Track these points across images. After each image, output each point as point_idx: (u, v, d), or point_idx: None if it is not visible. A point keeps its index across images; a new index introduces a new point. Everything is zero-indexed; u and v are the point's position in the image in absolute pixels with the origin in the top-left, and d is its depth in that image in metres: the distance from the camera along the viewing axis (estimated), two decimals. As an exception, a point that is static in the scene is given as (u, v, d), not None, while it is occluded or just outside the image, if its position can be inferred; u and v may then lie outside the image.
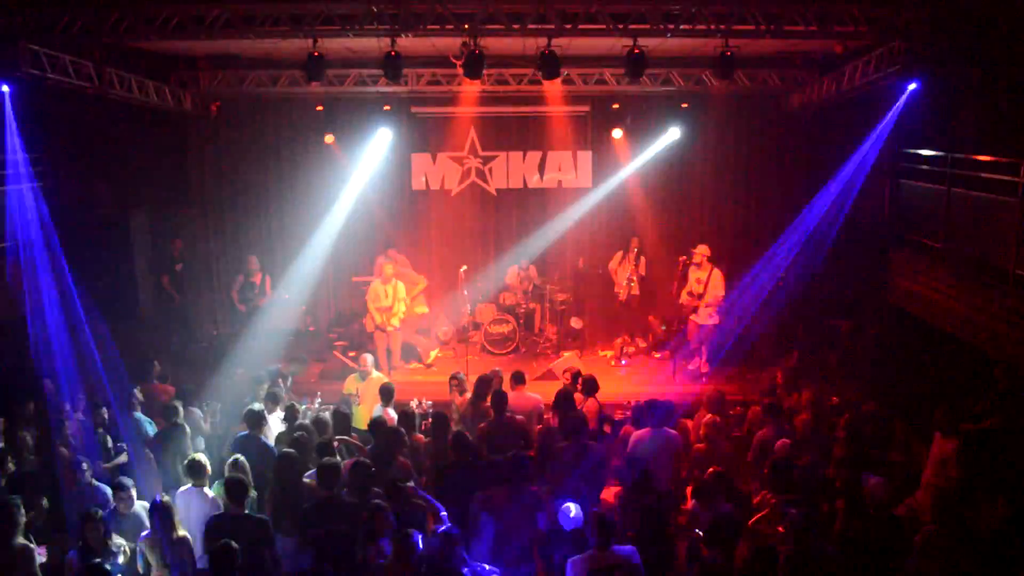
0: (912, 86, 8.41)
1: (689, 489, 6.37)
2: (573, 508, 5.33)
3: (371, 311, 10.56)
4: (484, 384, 7.32)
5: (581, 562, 4.73)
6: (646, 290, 11.80)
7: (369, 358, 8.41)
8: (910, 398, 8.03)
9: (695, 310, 10.45)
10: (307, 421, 6.98)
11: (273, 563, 5.20)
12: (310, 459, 6.18)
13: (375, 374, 8.30)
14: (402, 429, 6.46)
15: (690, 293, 10.47)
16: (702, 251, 10.41)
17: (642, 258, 11.70)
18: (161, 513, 5.17)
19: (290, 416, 7.20)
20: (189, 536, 5.29)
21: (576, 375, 8.02)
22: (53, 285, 9.17)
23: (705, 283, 10.35)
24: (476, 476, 5.83)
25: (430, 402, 8.62)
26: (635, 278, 11.61)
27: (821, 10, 8.06)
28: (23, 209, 8.63)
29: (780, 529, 5.36)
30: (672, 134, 11.81)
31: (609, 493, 6.58)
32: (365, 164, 12.25)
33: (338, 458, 6.11)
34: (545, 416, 7.37)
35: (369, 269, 12.17)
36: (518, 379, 7.62)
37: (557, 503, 5.47)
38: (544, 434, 6.77)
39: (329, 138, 11.94)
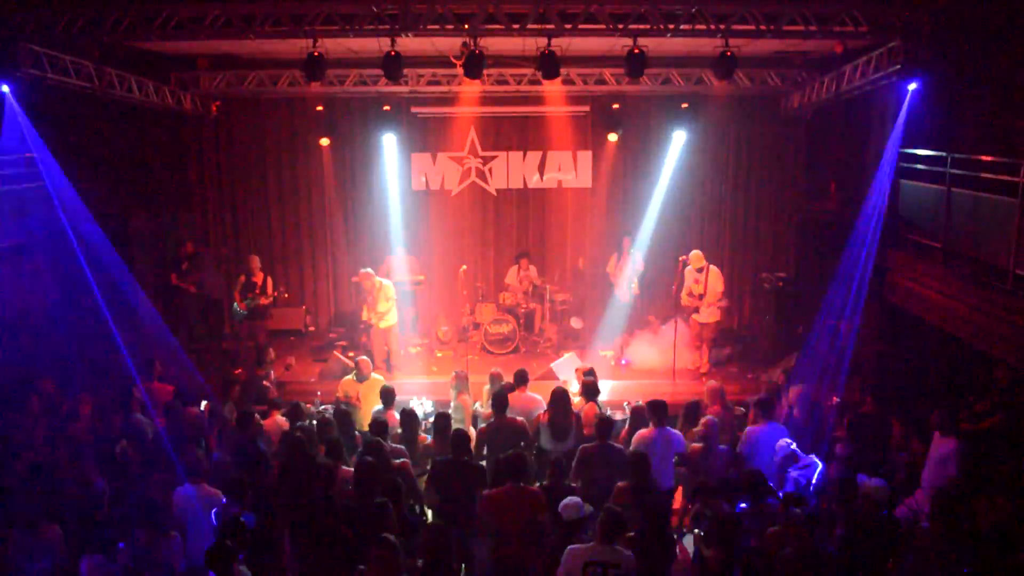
0: (912, 86, 8.41)
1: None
2: (576, 501, 5.35)
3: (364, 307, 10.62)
4: (501, 399, 6.99)
5: (580, 551, 4.75)
6: (646, 288, 11.81)
7: (367, 359, 8.39)
8: (910, 398, 8.03)
9: (696, 310, 10.46)
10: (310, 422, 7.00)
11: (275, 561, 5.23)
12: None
13: (374, 376, 8.28)
14: (381, 440, 6.44)
15: (690, 294, 10.48)
16: (697, 257, 10.42)
17: (636, 253, 11.70)
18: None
19: (293, 415, 7.20)
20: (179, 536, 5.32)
21: (588, 372, 7.96)
22: (51, 285, 9.17)
23: (704, 282, 10.35)
24: (472, 474, 5.84)
25: (430, 402, 8.64)
26: (635, 279, 11.62)
27: (821, 10, 8.07)
28: (25, 207, 8.64)
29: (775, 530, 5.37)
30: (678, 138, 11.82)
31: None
32: (365, 164, 12.25)
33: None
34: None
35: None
36: (521, 379, 7.60)
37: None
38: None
39: (324, 141, 11.94)
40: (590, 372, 7.97)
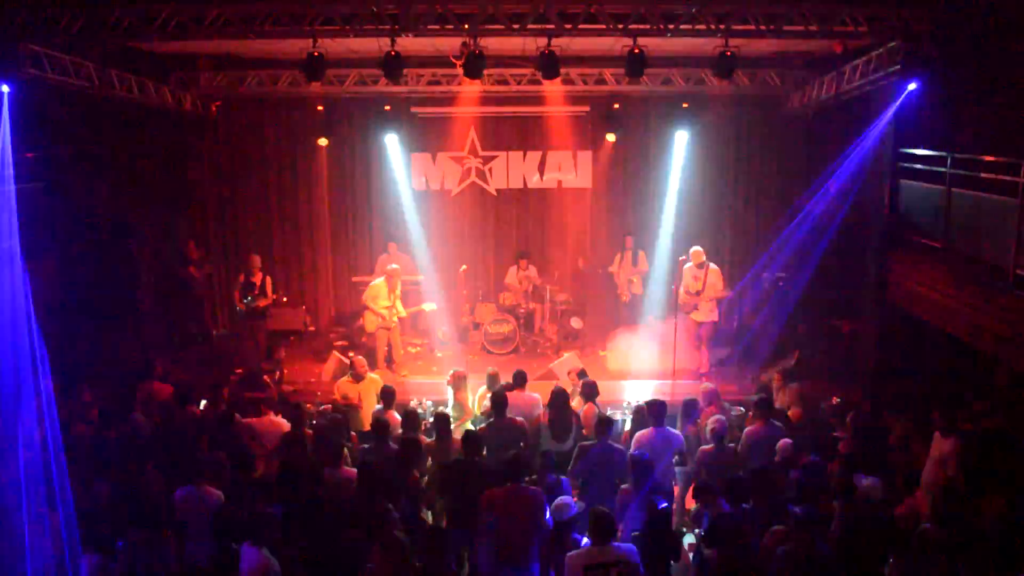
0: (912, 86, 8.41)
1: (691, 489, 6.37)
2: (567, 501, 5.34)
3: (371, 310, 10.53)
4: (501, 400, 6.98)
5: (577, 557, 4.74)
6: (647, 287, 11.82)
7: (362, 359, 8.37)
8: (910, 398, 8.04)
9: (695, 307, 10.45)
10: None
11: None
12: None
13: (371, 375, 8.26)
14: (415, 439, 6.45)
15: (687, 292, 10.47)
16: (697, 252, 10.42)
17: (640, 253, 11.71)
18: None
19: (296, 417, 7.18)
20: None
21: (581, 373, 7.97)
22: (52, 285, 9.15)
23: (703, 280, 10.35)
24: (481, 475, 5.84)
25: (430, 402, 8.64)
26: (636, 278, 11.62)
27: (821, 10, 8.07)
28: (21, 210, 8.62)
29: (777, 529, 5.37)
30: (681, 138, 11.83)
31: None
32: (364, 164, 12.23)
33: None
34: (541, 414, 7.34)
35: (368, 268, 12.18)
36: (519, 379, 7.59)
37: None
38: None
39: (324, 141, 11.94)
40: (583, 372, 7.99)
